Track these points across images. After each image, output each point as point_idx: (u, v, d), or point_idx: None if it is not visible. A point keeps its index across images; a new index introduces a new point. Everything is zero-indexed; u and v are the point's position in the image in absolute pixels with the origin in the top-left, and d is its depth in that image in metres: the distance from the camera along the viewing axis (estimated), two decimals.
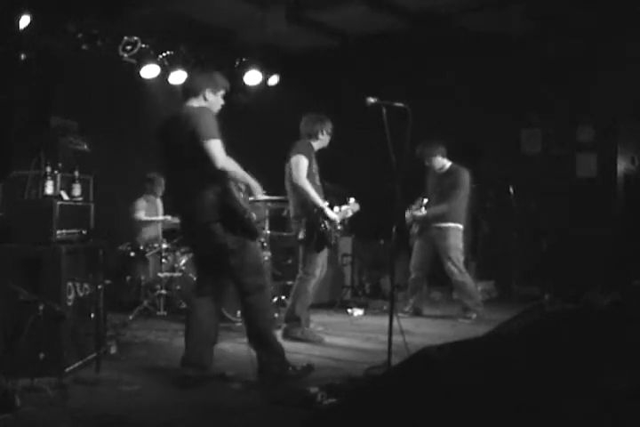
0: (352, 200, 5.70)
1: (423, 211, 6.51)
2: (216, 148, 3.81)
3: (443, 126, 7.87)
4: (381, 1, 7.33)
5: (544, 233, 7.82)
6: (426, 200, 6.54)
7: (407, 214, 6.64)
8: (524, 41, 7.71)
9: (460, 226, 6.53)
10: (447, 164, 6.64)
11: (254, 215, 3.98)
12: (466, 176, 6.53)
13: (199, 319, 4.08)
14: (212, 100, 4.11)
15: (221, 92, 4.17)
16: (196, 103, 4.07)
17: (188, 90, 4.16)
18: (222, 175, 3.85)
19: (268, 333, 4.11)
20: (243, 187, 4.04)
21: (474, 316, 6.38)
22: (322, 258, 5.39)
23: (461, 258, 6.53)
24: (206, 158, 3.79)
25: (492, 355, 1.84)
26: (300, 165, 5.23)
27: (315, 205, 5.25)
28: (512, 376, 1.76)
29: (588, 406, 1.64)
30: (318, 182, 5.43)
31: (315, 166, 5.40)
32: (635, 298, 2.03)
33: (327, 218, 5.28)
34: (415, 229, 6.68)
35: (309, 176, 5.25)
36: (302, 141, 5.41)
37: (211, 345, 4.13)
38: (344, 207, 5.63)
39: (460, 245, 6.54)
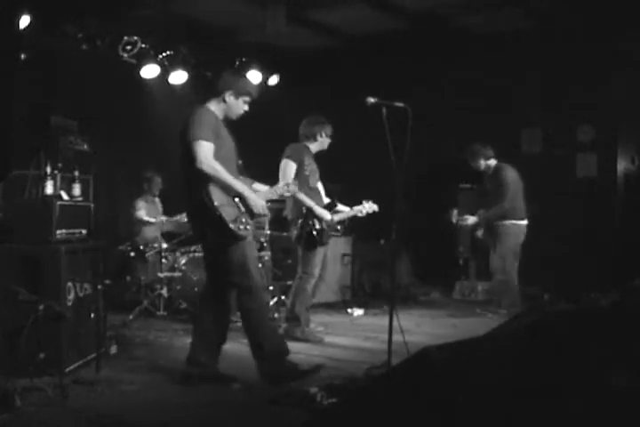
0: (368, 203, 5.67)
1: (471, 219, 6.44)
2: (200, 149, 3.79)
3: (443, 126, 7.88)
4: (381, 1, 7.32)
5: (543, 233, 7.82)
6: (456, 211, 6.47)
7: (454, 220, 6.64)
8: (524, 41, 7.71)
9: (519, 222, 6.34)
10: (492, 164, 6.53)
11: (244, 219, 3.92)
12: (508, 172, 6.40)
13: (205, 318, 4.10)
14: (232, 104, 4.04)
15: (245, 98, 4.07)
16: (213, 105, 4.03)
17: (211, 90, 4.09)
18: (205, 177, 3.81)
19: (262, 331, 4.03)
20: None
21: (503, 312, 6.25)
22: (319, 257, 5.39)
23: (518, 257, 6.32)
24: (192, 159, 3.79)
25: (492, 355, 1.84)
26: (287, 170, 5.26)
27: (304, 206, 5.27)
28: (512, 376, 1.76)
29: (589, 405, 1.64)
30: (312, 184, 5.40)
31: (310, 169, 5.37)
32: (635, 298, 2.03)
33: (317, 217, 5.28)
34: (479, 233, 6.64)
35: (301, 179, 5.20)
36: (296, 144, 5.42)
37: (217, 344, 4.11)
38: (356, 207, 5.65)
39: (518, 243, 6.34)
